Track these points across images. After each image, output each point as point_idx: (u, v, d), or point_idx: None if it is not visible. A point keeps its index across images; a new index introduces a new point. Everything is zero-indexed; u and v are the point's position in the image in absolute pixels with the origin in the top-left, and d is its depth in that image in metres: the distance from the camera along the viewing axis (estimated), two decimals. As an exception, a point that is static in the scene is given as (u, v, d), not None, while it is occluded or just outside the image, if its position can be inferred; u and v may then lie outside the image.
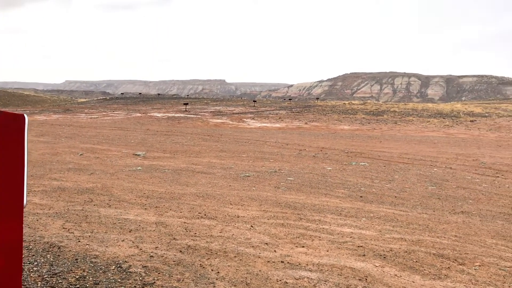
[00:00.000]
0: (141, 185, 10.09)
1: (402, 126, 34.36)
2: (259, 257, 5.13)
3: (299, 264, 4.94)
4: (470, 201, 9.78)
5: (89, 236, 5.64)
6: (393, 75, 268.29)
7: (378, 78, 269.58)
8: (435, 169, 14.66)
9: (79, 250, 5.07)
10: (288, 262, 4.98)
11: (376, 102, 76.22)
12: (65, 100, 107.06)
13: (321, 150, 18.96)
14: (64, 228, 6.04)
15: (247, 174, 12.25)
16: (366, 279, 4.54)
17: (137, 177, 11.20)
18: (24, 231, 2.93)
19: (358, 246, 5.66)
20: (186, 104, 53.73)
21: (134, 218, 6.72)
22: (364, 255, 5.29)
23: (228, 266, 4.79)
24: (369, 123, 36.50)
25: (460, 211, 8.63)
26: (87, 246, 5.25)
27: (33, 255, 4.89)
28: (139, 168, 12.83)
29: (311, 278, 4.51)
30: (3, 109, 2.84)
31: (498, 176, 13.59)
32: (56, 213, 6.83)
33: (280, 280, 4.45)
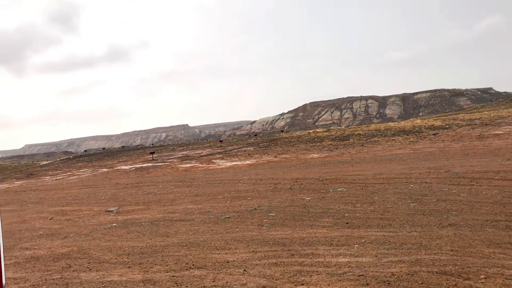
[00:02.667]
0: (119, 242, 9.63)
1: (370, 148, 34.81)
2: (259, 302, 4.84)
3: (302, 304, 4.67)
4: (454, 212, 9.77)
5: (74, 306, 5.22)
6: (351, 100, 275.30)
7: (337, 104, 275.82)
8: (411, 186, 14.72)
9: (65, 324, 4.65)
10: (289, 304, 4.71)
11: (339, 127, 77.42)
12: (26, 165, 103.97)
13: (296, 181, 18.82)
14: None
15: (228, 216, 11.93)
16: (377, 310, 4.32)
17: (113, 235, 10.72)
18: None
19: (359, 276, 5.44)
20: (152, 153, 53.03)
21: (119, 279, 6.31)
22: (367, 284, 5.08)
23: (229, 317, 4.48)
24: (337, 148, 36.84)
25: (448, 224, 8.57)
26: (73, 318, 4.83)
27: (14, 337, 4.44)
28: (114, 224, 12.32)
29: (320, 318, 4.25)
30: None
31: (473, 184, 13.75)
32: (33, 285, 6.35)
33: (288, 325, 4.17)
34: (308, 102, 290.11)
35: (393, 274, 5.38)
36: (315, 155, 33.86)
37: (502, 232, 7.53)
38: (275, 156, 36.29)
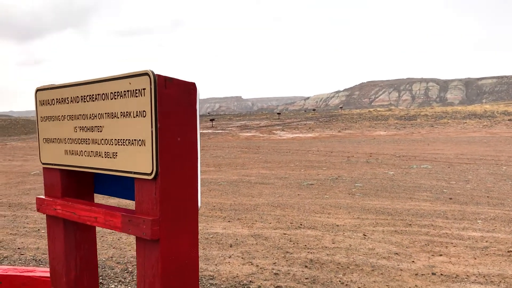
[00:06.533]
0: (203, 198, 9.33)
1: (440, 129, 33.11)
2: (401, 269, 4.27)
3: (457, 275, 4.06)
4: None
5: (189, 254, 4.84)
6: (411, 81, 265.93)
7: (396, 85, 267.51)
8: (504, 168, 13.60)
9: (188, 271, 4.26)
10: (442, 274, 4.10)
11: (401, 108, 74.76)
12: None
13: (370, 156, 18.00)
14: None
15: (310, 183, 11.40)
16: (560, 291, 3.64)
17: (195, 191, 10.44)
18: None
19: (508, 252, 4.74)
20: (212, 120, 53.23)
21: (224, 231, 5.92)
22: (527, 262, 4.38)
23: (374, 282, 3.94)
24: (404, 127, 35.33)
25: None
26: (193, 265, 4.45)
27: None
28: (192, 182, 12.07)
29: (491, 293, 3.62)
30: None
31: None
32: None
33: (452, 297, 3.57)
34: (365, 81, 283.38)
35: (552, 254, 4.64)
36: (382, 133, 32.62)
37: None
38: (339, 131, 35.31)
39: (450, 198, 8.73)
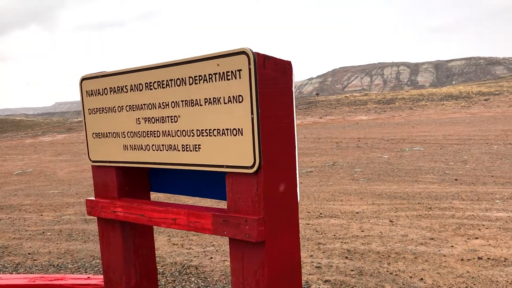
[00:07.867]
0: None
1: (420, 111, 33.46)
2: (444, 255, 4.12)
3: (506, 259, 3.93)
4: None
5: (217, 251, 4.60)
6: (382, 66, 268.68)
7: (368, 70, 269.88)
8: (495, 147, 13.71)
9: (224, 269, 4.02)
10: (489, 258, 3.97)
11: (375, 92, 75.45)
12: (58, 121, 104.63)
13: (359, 141, 17.97)
14: (171, 242, 5.00)
15: (309, 170, 11.24)
16: None
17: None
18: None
19: (545, 231, 4.66)
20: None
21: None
22: None
23: (423, 270, 3.78)
24: (384, 111, 35.59)
25: None
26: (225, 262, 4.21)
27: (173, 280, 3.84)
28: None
29: (550, 275, 3.50)
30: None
31: None
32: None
33: (511, 282, 3.43)
34: (337, 67, 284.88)
35: None
36: (363, 117, 32.74)
37: None
38: (320, 118, 35.31)
39: (456, 179, 8.69)
